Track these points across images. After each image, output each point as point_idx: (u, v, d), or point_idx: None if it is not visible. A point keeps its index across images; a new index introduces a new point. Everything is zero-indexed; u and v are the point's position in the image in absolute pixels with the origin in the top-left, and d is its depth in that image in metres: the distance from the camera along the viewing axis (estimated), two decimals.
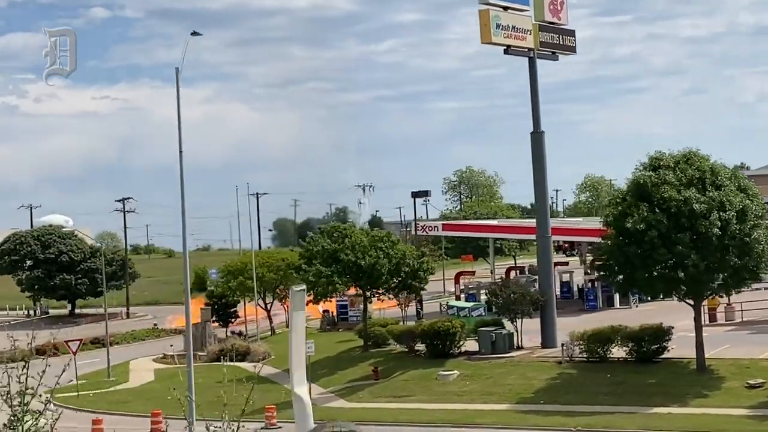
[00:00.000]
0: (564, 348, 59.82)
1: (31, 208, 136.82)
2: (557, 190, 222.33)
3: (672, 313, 64.07)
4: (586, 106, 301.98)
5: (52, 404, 13.99)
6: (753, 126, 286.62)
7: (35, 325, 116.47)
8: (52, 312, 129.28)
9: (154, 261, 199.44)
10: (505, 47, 63.95)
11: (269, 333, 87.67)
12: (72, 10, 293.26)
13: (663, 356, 58.19)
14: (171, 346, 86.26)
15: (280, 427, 53.56)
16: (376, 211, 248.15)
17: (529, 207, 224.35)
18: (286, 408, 58.45)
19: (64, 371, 13.76)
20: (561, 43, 67.00)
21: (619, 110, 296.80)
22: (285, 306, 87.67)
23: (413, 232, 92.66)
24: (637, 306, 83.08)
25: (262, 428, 53.98)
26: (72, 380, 78.66)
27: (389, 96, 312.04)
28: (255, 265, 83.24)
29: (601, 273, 58.94)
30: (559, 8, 66.44)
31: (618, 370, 57.71)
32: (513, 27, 63.59)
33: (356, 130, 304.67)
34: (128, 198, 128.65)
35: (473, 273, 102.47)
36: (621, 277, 56.83)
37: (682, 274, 52.32)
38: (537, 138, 65.63)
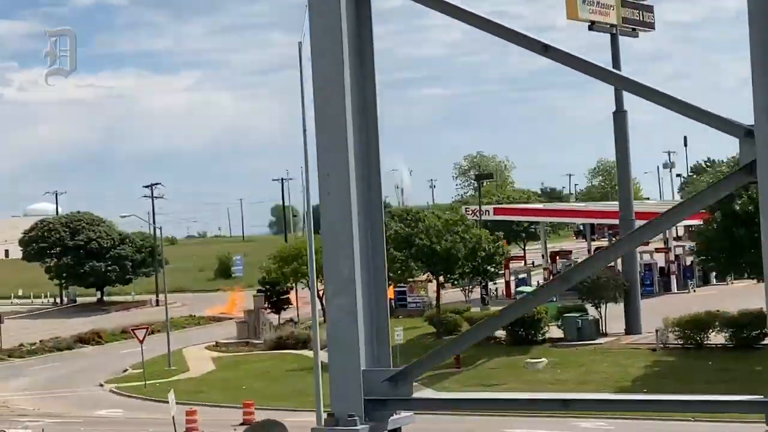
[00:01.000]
0: (658, 334, 57.83)
1: (56, 194, 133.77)
2: (570, 175, 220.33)
3: (735, 297, 62.49)
4: (569, 91, 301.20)
5: None
6: (735, 113, 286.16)
7: (65, 314, 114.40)
8: (78, 300, 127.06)
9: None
10: (589, 23, 61.98)
11: (321, 320, 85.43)
12: None
13: (763, 342, 56.29)
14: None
15: None
16: (386, 197, 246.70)
17: (539, 191, 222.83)
18: None
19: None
20: (641, 19, 65.04)
21: (600, 96, 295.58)
22: None
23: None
24: (694, 290, 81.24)
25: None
26: (127, 370, 77.05)
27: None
28: (311, 251, 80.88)
29: (702, 257, 57.00)
30: None
31: (718, 357, 55.80)
32: (597, 2, 61.61)
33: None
34: (156, 184, 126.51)
35: (523, 258, 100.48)
36: (720, 260, 54.99)
37: None
38: (620, 118, 63.63)
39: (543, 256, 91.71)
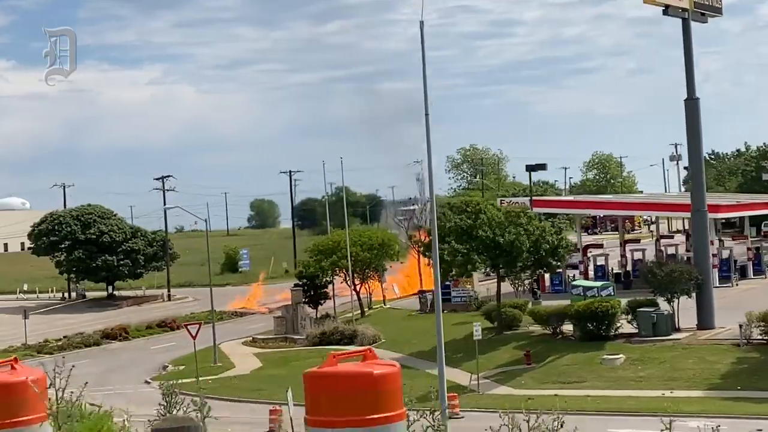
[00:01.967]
0: (742, 329, 55.79)
1: (64, 187, 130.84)
2: (566, 168, 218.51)
3: None
4: (534, 86, 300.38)
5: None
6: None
7: (77, 309, 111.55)
8: (88, 295, 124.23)
9: None
10: (664, 7, 59.94)
11: (358, 314, 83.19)
12: None
13: None
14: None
15: (462, 417, 49.08)
16: (376, 190, 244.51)
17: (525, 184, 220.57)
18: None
19: None
20: (711, 4, 62.99)
21: (568, 91, 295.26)
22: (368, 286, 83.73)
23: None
24: (737, 284, 79.38)
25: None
26: (167, 366, 74.51)
27: (339, 77, 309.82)
28: (348, 244, 78.81)
29: None
30: None
31: None
32: None
33: (306, 111, 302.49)
34: (168, 176, 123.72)
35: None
36: None
37: None
38: (692, 105, 61.64)
39: (579, 249, 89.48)
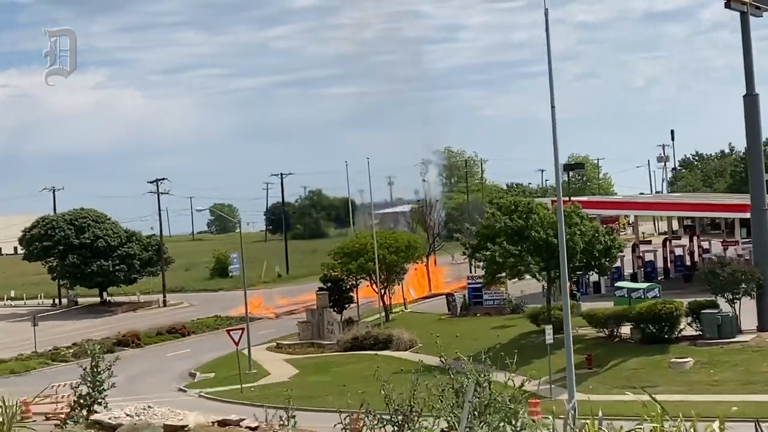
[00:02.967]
0: None
1: (54, 190, 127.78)
2: (542, 170, 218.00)
3: None
4: (481, 91, 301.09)
5: None
6: (643, 110, 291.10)
7: (72, 315, 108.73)
8: (79, 301, 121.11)
9: None
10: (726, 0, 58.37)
11: (382, 318, 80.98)
12: None
13: None
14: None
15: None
16: (359, 191, 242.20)
17: (505, 186, 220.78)
18: None
19: None
20: None
21: (514, 95, 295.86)
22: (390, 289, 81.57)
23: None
24: None
25: None
26: (194, 373, 72.07)
27: (284, 81, 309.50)
28: (376, 246, 76.74)
29: None
30: None
31: None
32: None
33: (251, 116, 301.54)
34: (162, 179, 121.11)
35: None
36: None
37: None
38: (751, 101, 60.11)
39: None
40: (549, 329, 54.38)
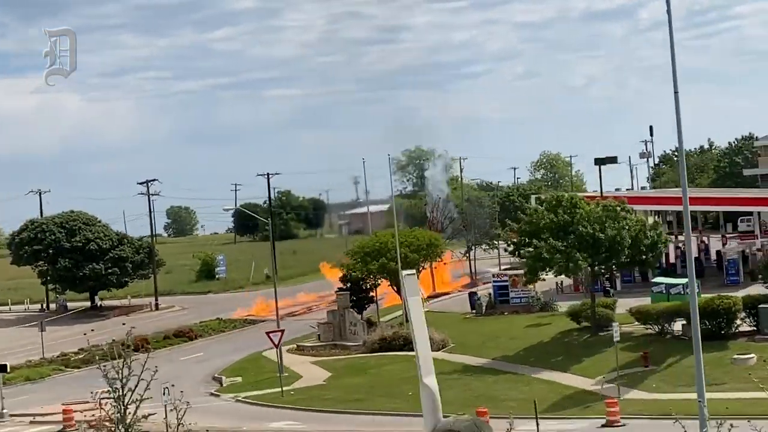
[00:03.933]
0: None
1: (40, 193, 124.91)
2: (515, 168, 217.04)
3: None
4: (424, 91, 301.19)
5: None
6: (583, 109, 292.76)
7: (64, 320, 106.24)
8: (68, 306, 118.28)
9: None
10: None
11: (401, 316, 78.95)
12: None
13: None
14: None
15: (624, 424, 45.50)
16: (320, 193, 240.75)
17: (475, 185, 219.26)
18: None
19: None
20: None
21: (456, 95, 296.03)
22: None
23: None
24: None
25: (603, 425, 46.09)
26: (220, 377, 70.00)
27: (226, 84, 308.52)
28: (398, 245, 74.78)
29: None
30: None
31: None
32: None
33: (193, 119, 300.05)
34: (153, 180, 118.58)
35: None
36: None
37: None
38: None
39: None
40: (616, 326, 52.72)
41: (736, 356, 54.16)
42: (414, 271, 54.49)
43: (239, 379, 68.38)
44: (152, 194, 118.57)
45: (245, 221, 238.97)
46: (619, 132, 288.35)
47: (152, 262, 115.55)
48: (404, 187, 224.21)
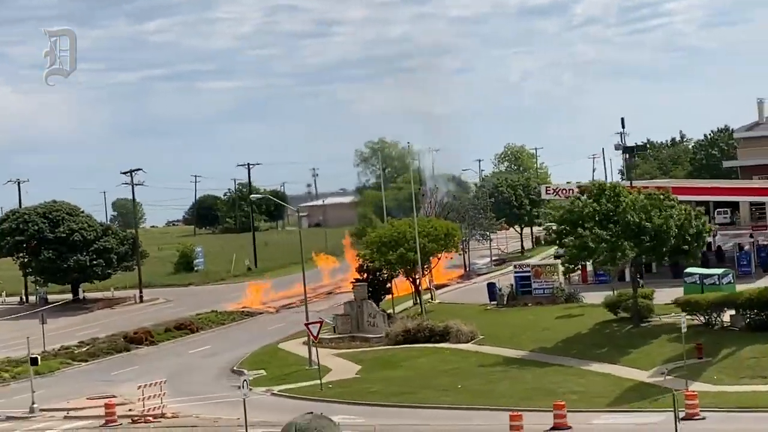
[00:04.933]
0: None
1: (18, 183, 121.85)
2: (479, 160, 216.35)
3: None
4: (358, 84, 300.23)
5: None
6: (518, 104, 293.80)
7: (46, 314, 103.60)
8: (49, 298, 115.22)
9: None
10: None
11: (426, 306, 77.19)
12: None
13: None
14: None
15: (704, 417, 44.15)
16: (282, 185, 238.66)
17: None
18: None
19: None
20: None
21: (393, 89, 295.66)
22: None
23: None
24: None
25: (682, 419, 44.66)
26: (242, 371, 67.94)
27: (160, 76, 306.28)
28: (417, 235, 73.28)
29: None
30: None
31: None
32: None
33: (127, 111, 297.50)
34: (137, 170, 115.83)
35: None
36: None
37: None
38: None
39: None
40: (683, 317, 51.38)
41: None
42: None
43: (263, 372, 66.39)
44: (136, 184, 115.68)
45: (204, 213, 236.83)
46: (554, 127, 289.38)
47: (136, 253, 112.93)
48: (367, 179, 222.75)
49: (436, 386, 55.80)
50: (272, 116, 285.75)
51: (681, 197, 63.36)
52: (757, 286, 59.70)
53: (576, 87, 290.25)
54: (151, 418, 52.35)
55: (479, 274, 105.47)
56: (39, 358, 62.73)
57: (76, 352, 78.57)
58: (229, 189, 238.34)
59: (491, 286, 77.83)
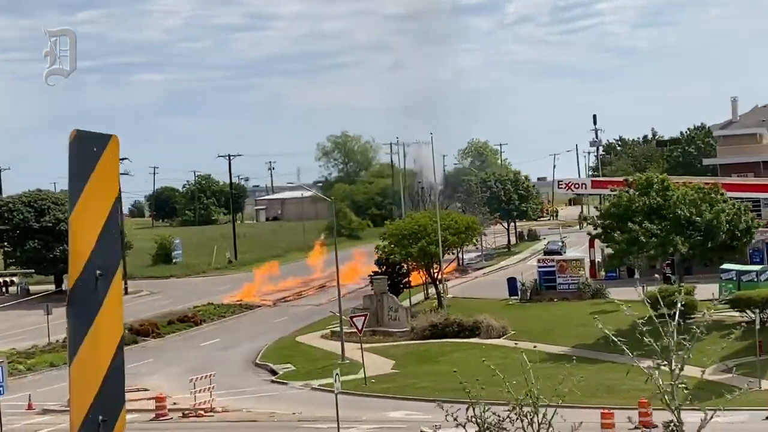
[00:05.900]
0: None
1: None
2: (444, 155, 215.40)
3: None
4: (293, 80, 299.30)
5: None
6: (454, 100, 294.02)
7: (30, 305, 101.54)
8: (30, 289, 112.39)
9: None
10: None
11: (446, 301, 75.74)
12: None
13: None
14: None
15: None
16: (238, 178, 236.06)
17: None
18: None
19: None
20: None
21: (326, 85, 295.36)
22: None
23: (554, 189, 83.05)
24: None
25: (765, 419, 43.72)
26: (268, 365, 66.37)
27: (89, 67, 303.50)
28: (439, 228, 71.89)
29: None
30: None
31: None
32: None
33: (55, 102, 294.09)
34: (123, 158, 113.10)
35: None
36: None
37: None
38: None
39: None
40: (751, 313, 50.37)
41: None
42: None
43: (291, 366, 64.67)
44: (122, 173, 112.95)
45: (162, 205, 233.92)
46: (491, 124, 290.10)
47: (122, 244, 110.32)
48: (329, 173, 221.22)
49: (488, 383, 54.27)
50: (204, 109, 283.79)
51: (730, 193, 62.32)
52: None
53: (509, 85, 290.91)
54: (202, 412, 50.48)
55: (474, 269, 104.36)
56: None
57: None
58: (187, 181, 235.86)
59: (512, 281, 76.48)
